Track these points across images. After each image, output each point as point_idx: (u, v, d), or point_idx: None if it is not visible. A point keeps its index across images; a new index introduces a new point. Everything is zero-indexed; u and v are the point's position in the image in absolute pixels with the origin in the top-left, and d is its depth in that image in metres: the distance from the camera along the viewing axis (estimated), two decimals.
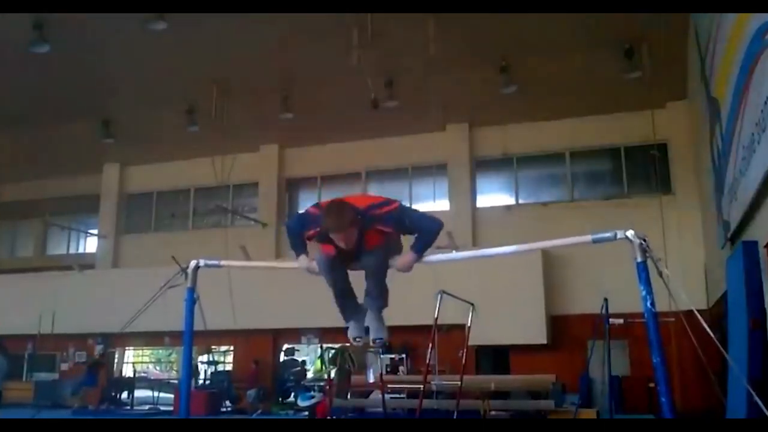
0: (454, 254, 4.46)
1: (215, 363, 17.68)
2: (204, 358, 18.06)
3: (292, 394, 15.36)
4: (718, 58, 8.80)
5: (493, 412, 11.53)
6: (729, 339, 7.48)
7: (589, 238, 3.37)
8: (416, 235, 3.77)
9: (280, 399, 15.77)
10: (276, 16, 11.08)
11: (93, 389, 14.94)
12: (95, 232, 19.92)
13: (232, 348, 17.73)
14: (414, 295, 12.24)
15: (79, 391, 14.68)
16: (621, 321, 10.51)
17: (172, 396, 16.28)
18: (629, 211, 14.13)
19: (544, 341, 13.90)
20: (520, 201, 16.28)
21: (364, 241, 3.69)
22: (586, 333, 11.93)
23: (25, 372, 17.95)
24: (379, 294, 3.92)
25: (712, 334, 3.30)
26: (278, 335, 16.56)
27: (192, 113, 15.08)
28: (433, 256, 4.13)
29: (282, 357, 16.69)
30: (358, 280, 3.96)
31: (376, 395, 12.28)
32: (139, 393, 17.59)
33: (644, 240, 3.16)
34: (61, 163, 18.51)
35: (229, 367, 17.58)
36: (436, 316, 8.33)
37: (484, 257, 3.92)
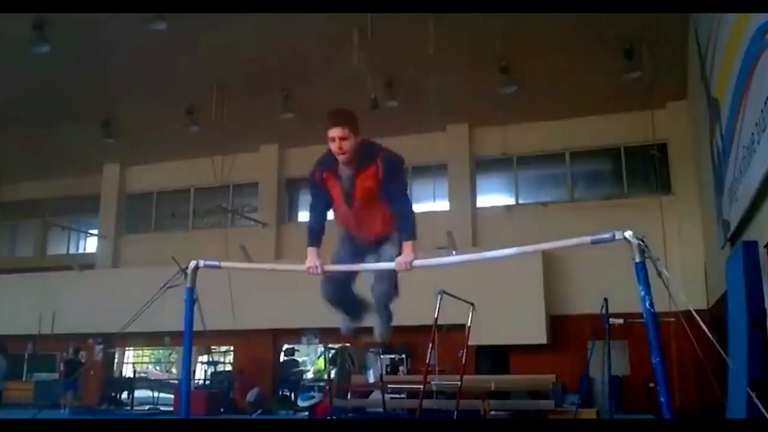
0: (454, 257, 4.44)
1: (215, 363, 17.69)
2: (204, 358, 18.08)
3: (292, 394, 15.39)
4: (718, 58, 8.80)
5: (493, 412, 11.54)
6: (729, 339, 7.48)
7: (587, 239, 3.37)
8: (400, 219, 3.73)
9: (280, 399, 15.77)
10: (276, 16, 11.08)
11: (73, 392, 14.39)
12: (95, 232, 19.92)
13: (232, 348, 17.74)
14: (414, 295, 12.23)
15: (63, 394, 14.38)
16: (621, 321, 10.48)
17: (172, 396, 16.29)
18: (629, 212, 14.11)
19: (544, 341, 13.90)
20: (520, 201, 16.28)
21: (358, 181, 3.69)
22: (586, 333, 11.93)
23: (25, 372, 17.94)
24: (389, 289, 3.95)
25: (710, 335, 3.30)
26: (278, 335, 16.55)
27: (192, 113, 15.07)
28: (433, 260, 4.13)
29: (282, 357, 16.70)
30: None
31: (376, 395, 12.29)
32: (139, 393, 17.62)
33: (642, 240, 3.17)
34: (61, 163, 18.50)
35: (229, 367, 17.59)
36: (436, 316, 8.33)
37: (484, 260, 3.90)
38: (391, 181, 3.70)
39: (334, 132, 3.62)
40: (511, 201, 16.39)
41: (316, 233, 3.89)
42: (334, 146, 3.62)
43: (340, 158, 3.64)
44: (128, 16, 10.80)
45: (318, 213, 3.90)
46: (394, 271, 3.78)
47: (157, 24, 10.92)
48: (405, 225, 3.70)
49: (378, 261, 3.87)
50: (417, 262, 3.67)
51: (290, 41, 12.49)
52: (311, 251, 3.86)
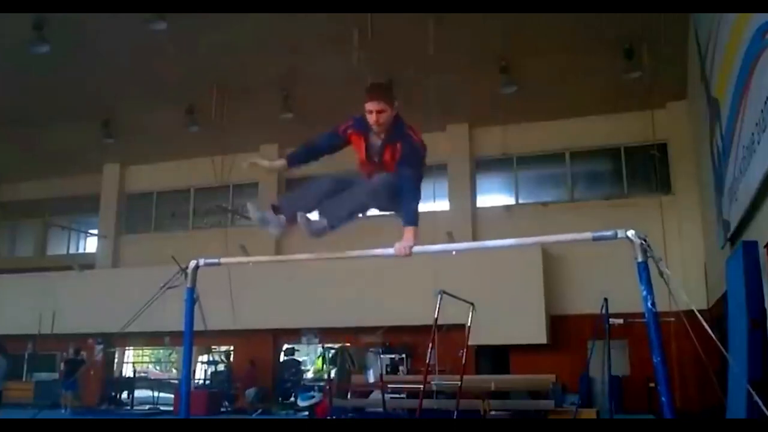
0: (454, 245, 4.45)
1: (215, 363, 17.68)
2: (204, 358, 18.07)
3: (292, 394, 15.39)
4: (718, 58, 8.80)
5: (493, 412, 11.55)
6: (729, 339, 7.48)
7: (589, 235, 3.38)
8: (404, 203, 3.68)
9: (280, 399, 15.78)
10: (276, 16, 11.08)
11: (73, 392, 14.48)
12: (95, 232, 19.92)
13: (232, 348, 17.74)
14: (414, 295, 12.28)
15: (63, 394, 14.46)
16: (621, 321, 10.50)
17: (172, 396, 16.29)
18: (629, 211, 14.12)
19: (544, 341, 13.90)
20: (520, 201, 16.28)
21: (384, 152, 3.75)
22: (586, 333, 11.94)
23: (25, 372, 17.95)
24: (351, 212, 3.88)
25: (712, 334, 3.30)
26: (278, 335, 16.55)
27: (192, 113, 15.08)
28: (433, 247, 4.11)
29: (282, 357, 16.70)
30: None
31: (376, 395, 12.29)
32: (139, 393, 17.62)
33: (645, 240, 3.16)
34: (61, 163, 18.50)
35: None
36: (436, 316, 8.33)
37: (485, 249, 3.90)
38: (405, 166, 3.73)
39: (371, 105, 3.69)
40: (511, 201, 16.39)
41: (302, 152, 3.97)
42: (371, 118, 3.68)
43: (375, 128, 3.70)
44: (128, 16, 10.80)
45: (318, 146, 3.97)
46: (365, 200, 3.82)
47: (157, 24, 10.93)
48: (407, 210, 3.67)
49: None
50: (416, 249, 3.61)
51: (290, 41, 12.48)
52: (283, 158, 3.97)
